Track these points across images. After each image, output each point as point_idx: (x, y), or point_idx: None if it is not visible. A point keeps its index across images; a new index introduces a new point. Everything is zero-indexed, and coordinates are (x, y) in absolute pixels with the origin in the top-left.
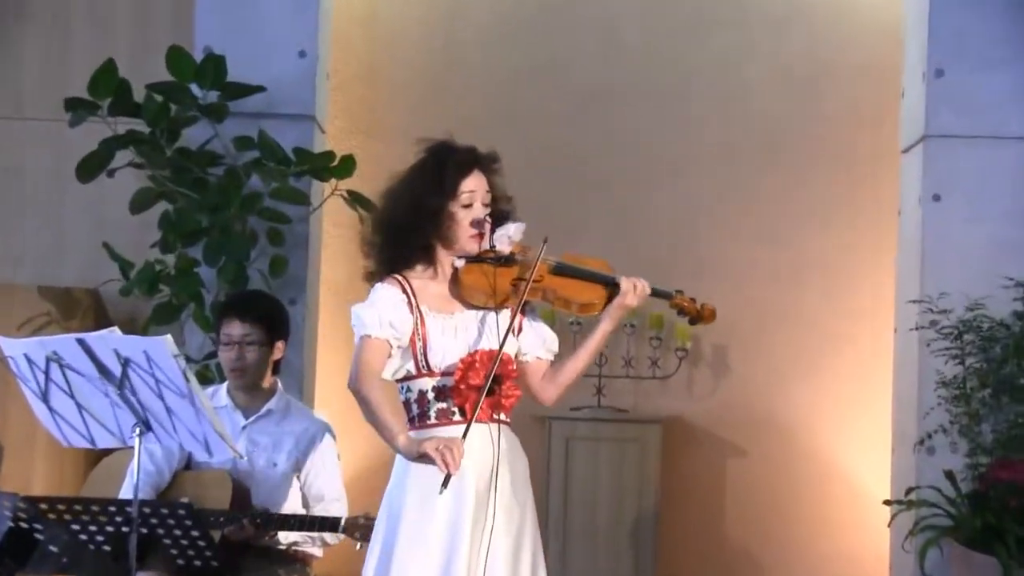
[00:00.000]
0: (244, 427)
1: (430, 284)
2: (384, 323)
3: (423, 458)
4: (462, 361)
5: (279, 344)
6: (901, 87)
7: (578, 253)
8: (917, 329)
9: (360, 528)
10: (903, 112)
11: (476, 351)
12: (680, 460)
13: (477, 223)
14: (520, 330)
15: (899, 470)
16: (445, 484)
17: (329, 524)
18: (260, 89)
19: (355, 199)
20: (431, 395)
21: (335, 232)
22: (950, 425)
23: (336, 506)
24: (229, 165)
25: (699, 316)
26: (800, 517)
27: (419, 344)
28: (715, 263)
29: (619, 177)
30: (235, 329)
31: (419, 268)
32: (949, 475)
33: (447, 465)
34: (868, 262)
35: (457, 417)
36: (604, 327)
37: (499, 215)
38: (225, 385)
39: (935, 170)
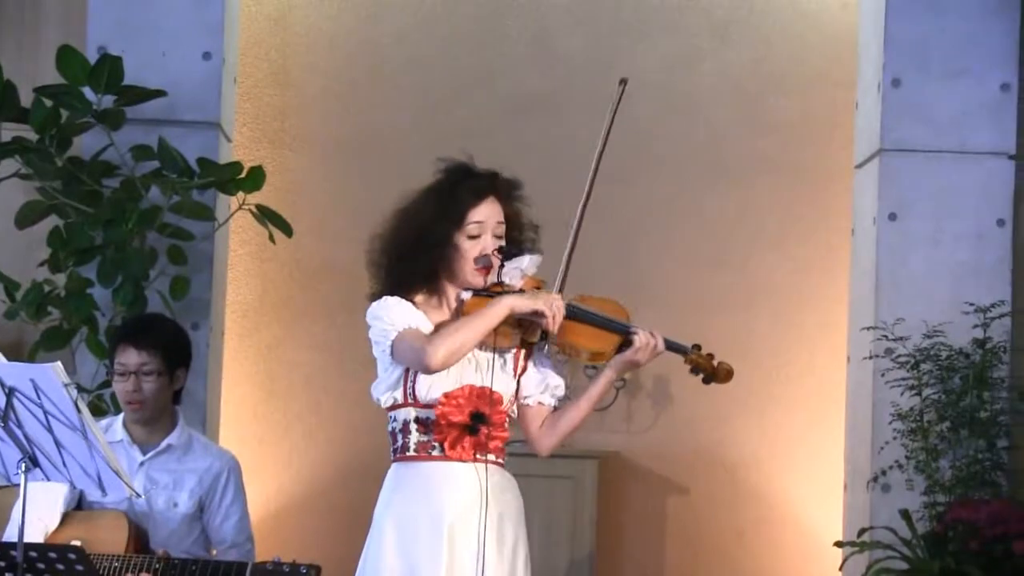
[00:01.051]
0: (142, 463)
1: (431, 313)
2: (414, 317)
3: (532, 315)
4: (445, 395)
5: (180, 373)
6: (855, 98)
7: (588, 294)
8: (871, 358)
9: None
10: (857, 125)
11: (465, 386)
12: (618, 499)
13: (482, 257)
14: (523, 371)
15: (852, 509)
16: (539, 341)
17: (235, 571)
18: (160, 93)
19: (264, 214)
20: (413, 426)
21: (242, 251)
22: (906, 461)
23: (243, 551)
24: (126, 176)
25: (714, 375)
26: (746, 560)
27: (410, 372)
28: (655, 285)
29: (552, 193)
30: (131, 357)
31: (421, 296)
32: (905, 515)
33: (551, 318)
34: (820, 286)
35: (436, 452)
36: (608, 376)
37: (517, 246)
38: (121, 417)
39: (891, 187)
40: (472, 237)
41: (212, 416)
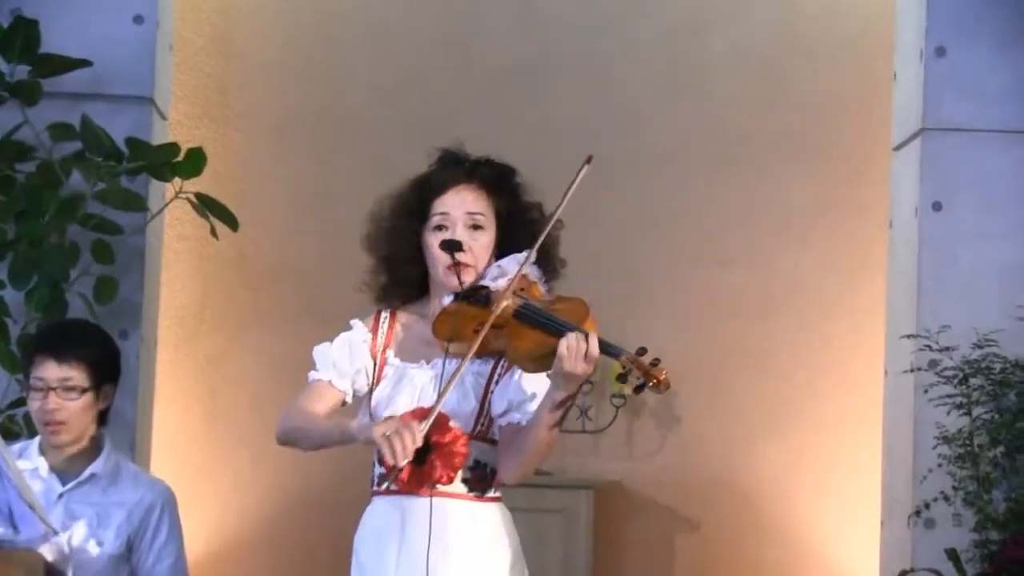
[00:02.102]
0: (61, 495)
1: (417, 325)
2: (329, 363)
3: (373, 445)
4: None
5: (107, 389)
6: (893, 69)
7: (563, 294)
8: (912, 371)
9: None
10: (896, 100)
11: (417, 408)
12: (616, 535)
13: (444, 248)
14: (493, 386)
15: (890, 548)
16: (387, 477)
17: None
18: (84, 63)
19: (205, 204)
20: (374, 455)
21: (179, 246)
22: (953, 492)
23: None
24: (43, 160)
25: (655, 384)
26: None
27: (371, 392)
28: (659, 288)
29: (537, 178)
30: (50, 371)
31: (420, 303)
32: (952, 554)
33: (391, 455)
34: (852, 287)
35: (393, 486)
36: (550, 394)
37: (513, 241)
38: (36, 441)
39: (935, 172)
40: (438, 228)
41: (143, 440)
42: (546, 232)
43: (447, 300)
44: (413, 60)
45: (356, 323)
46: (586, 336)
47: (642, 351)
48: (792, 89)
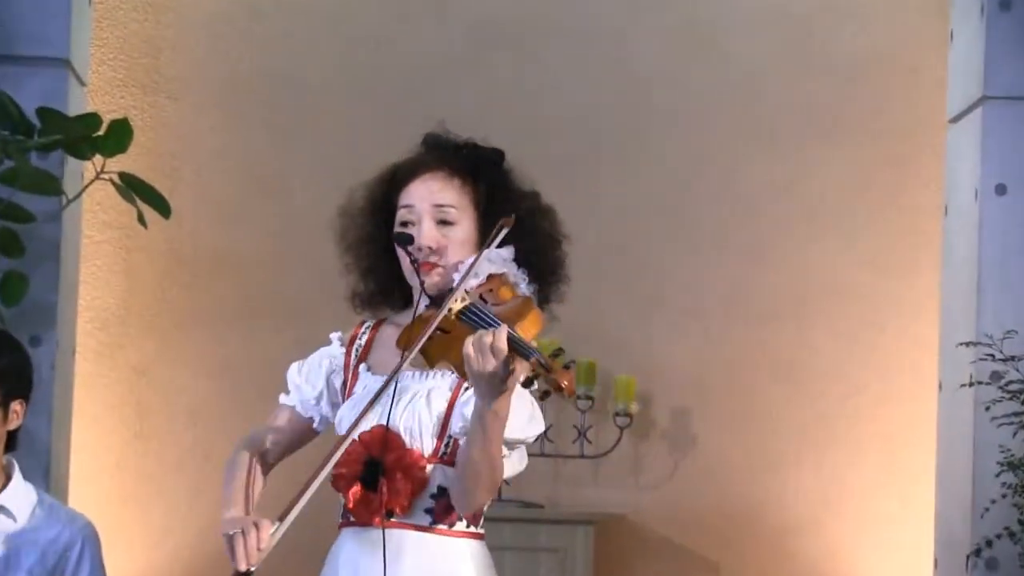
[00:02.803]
0: None
1: (396, 334)
2: (294, 387)
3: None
4: (338, 441)
5: (16, 407)
6: (949, 27)
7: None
8: (971, 385)
9: None
10: (951, 64)
11: (376, 427)
12: None
13: (400, 240)
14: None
15: None
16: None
17: None
18: None
19: (131, 186)
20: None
21: (101, 237)
22: (1020, 527)
23: None
24: None
25: (557, 388)
26: None
27: (338, 412)
28: (671, 286)
29: (528, 155)
30: None
31: (401, 312)
32: None
33: (234, 558)
34: (900, 286)
35: (352, 517)
36: (477, 404)
37: (496, 235)
38: None
39: (998, 149)
40: (404, 224)
41: (59, 466)
42: (496, 234)
43: (423, 306)
44: (382, 16)
45: (334, 336)
46: (493, 333)
47: (558, 352)
48: (829, 52)
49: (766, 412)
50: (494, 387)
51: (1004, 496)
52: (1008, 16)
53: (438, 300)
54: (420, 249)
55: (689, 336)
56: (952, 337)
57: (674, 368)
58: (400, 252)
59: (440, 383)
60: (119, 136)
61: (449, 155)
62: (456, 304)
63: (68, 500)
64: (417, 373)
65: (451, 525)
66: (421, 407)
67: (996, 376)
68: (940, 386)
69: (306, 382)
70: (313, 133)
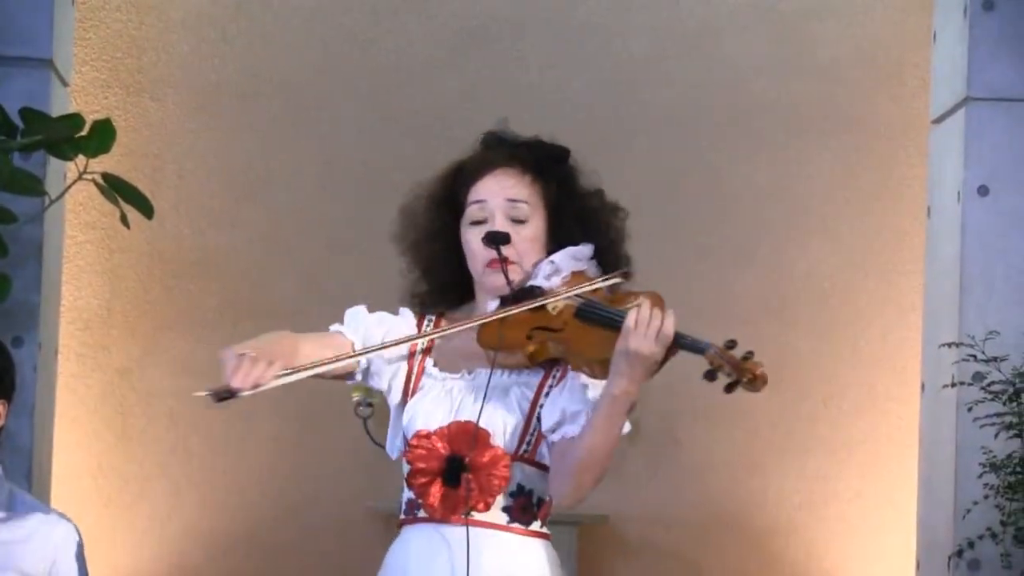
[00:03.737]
0: None
1: (462, 334)
2: (361, 327)
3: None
4: (418, 435)
5: None
6: (932, 27)
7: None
8: (954, 385)
9: None
10: (935, 63)
11: (453, 423)
12: None
13: (488, 241)
14: (543, 399)
15: None
16: (217, 397)
17: None
18: None
19: (114, 187)
20: (405, 480)
21: (84, 237)
22: (1002, 529)
23: None
24: None
25: (750, 380)
26: None
27: (405, 403)
28: (654, 286)
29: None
30: None
31: (465, 308)
32: None
33: (228, 373)
34: (883, 286)
35: (421, 513)
36: (609, 389)
37: (566, 234)
38: None
39: (982, 149)
40: (475, 223)
41: (41, 468)
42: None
43: (493, 304)
44: (364, 16)
45: (405, 311)
46: (662, 315)
47: (731, 344)
48: (814, 52)
49: (748, 414)
50: (646, 369)
51: (986, 497)
52: (991, 16)
53: (509, 298)
54: (510, 244)
55: None
56: (935, 338)
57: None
58: (477, 249)
59: (527, 380)
60: (102, 137)
61: (520, 151)
62: (559, 303)
63: (50, 501)
64: (498, 371)
65: (527, 524)
66: (504, 405)
67: (979, 377)
68: (923, 387)
69: (378, 326)
70: (296, 134)
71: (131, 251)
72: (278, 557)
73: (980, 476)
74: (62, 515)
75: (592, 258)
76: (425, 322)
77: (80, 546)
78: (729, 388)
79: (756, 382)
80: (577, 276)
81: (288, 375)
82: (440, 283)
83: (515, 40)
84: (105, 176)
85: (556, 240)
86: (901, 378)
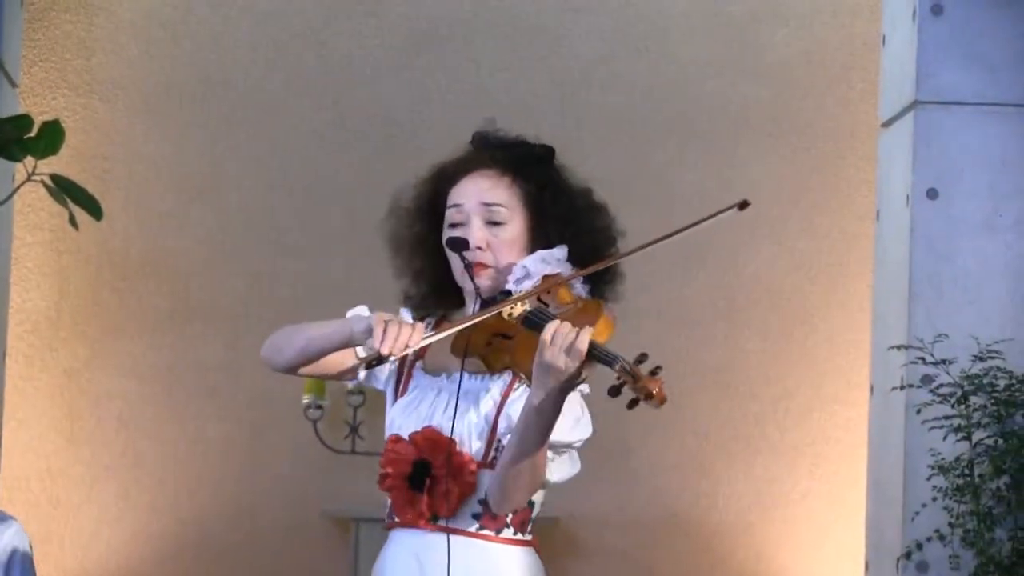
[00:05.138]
0: None
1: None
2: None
3: (368, 336)
4: (391, 439)
5: None
6: (881, 31)
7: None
8: (902, 388)
9: None
10: (884, 67)
11: (427, 427)
12: None
13: (449, 248)
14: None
15: None
16: (368, 364)
17: None
18: None
19: (63, 188)
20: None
21: (32, 239)
22: (950, 530)
23: None
24: None
25: (648, 397)
26: None
27: (391, 408)
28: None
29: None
30: None
31: (460, 313)
32: None
33: (379, 338)
34: (832, 289)
35: (397, 518)
36: (530, 399)
37: (546, 234)
38: None
39: (930, 153)
40: (453, 226)
41: None
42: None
43: (476, 309)
44: (316, 15)
45: (405, 313)
46: (578, 329)
47: (641, 357)
48: (763, 55)
49: (698, 415)
50: (561, 384)
51: (935, 499)
52: (940, 20)
53: (491, 302)
54: (470, 250)
55: (621, 340)
56: (883, 341)
57: (606, 372)
58: (451, 254)
59: (490, 386)
60: (51, 138)
61: (498, 153)
62: (516, 309)
63: None
64: (468, 376)
65: (498, 531)
66: (475, 411)
67: (927, 379)
68: (871, 389)
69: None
70: (246, 135)
71: (80, 253)
72: (228, 560)
73: (929, 478)
74: (9, 516)
75: (569, 260)
76: (425, 324)
77: (28, 548)
78: (631, 404)
79: (654, 400)
80: (548, 279)
81: (432, 336)
82: (434, 287)
83: (465, 42)
84: (54, 177)
85: (540, 241)
86: (850, 380)
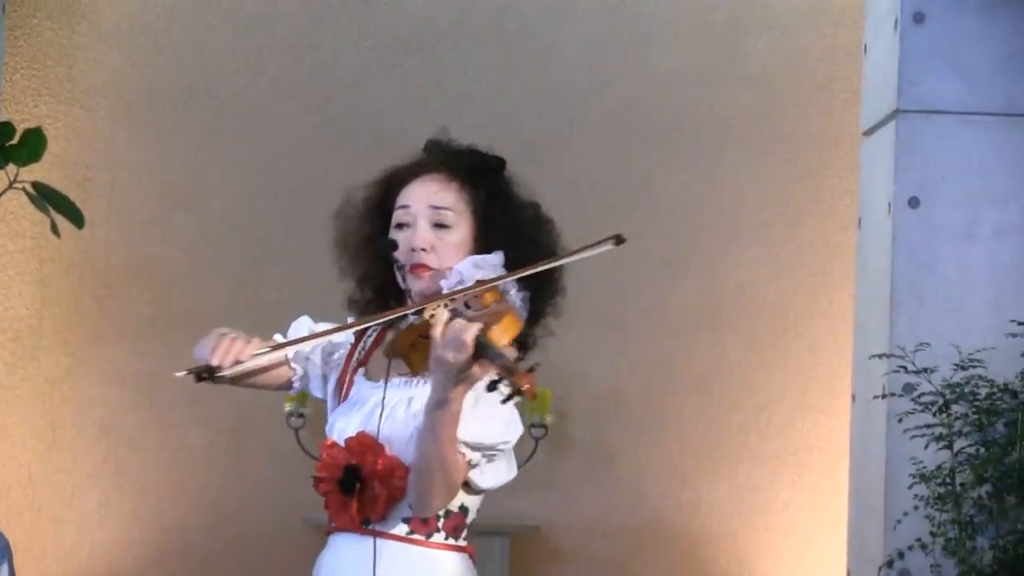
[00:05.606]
0: None
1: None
2: (299, 331)
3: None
4: (327, 445)
5: None
6: (863, 40)
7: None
8: (884, 397)
9: None
10: (866, 76)
11: (360, 433)
12: None
13: (395, 249)
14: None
15: None
16: (198, 376)
17: None
18: None
19: (44, 195)
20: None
21: (13, 247)
22: (932, 539)
23: None
24: None
25: (517, 392)
26: None
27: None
28: (588, 298)
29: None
30: None
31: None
32: None
33: (207, 349)
34: (814, 297)
35: (333, 524)
36: (428, 399)
37: (490, 243)
38: None
39: (912, 161)
40: (399, 226)
41: None
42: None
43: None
44: (300, 24)
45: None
46: (470, 325)
47: (521, 356)
48: (746, 63)
49: (680, 423)
50: (451, 378)
51: (916, 508)
52: (921, 29)
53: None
54: (413, 251)
55: (603, 347)
56: (865, 349)
57: (589, 380)
58: (393, 256)
59: (422, 391)
60: (33, 145)
61: (450, 159)
62: (440, 311)
63: None
64: (403, 381)
65: (428, 536)
66: (401, 415)
67: (909, 388)
68: (853, 398)
69: (308, 343)
70: (228, 143)
71: (61, 260)
72: (210, 568)
73: (910, 487)
74: None
75: (504, 266)
76: (368, 332)
77: (9, 556)
78: (505, 400)
79: (525, 394)
80: (476, 285)
81: (266, 352)
82: (378, 292)
83: (450, 49)
84: (36, 185)
85: (484, 249)
86: (832, 389)
